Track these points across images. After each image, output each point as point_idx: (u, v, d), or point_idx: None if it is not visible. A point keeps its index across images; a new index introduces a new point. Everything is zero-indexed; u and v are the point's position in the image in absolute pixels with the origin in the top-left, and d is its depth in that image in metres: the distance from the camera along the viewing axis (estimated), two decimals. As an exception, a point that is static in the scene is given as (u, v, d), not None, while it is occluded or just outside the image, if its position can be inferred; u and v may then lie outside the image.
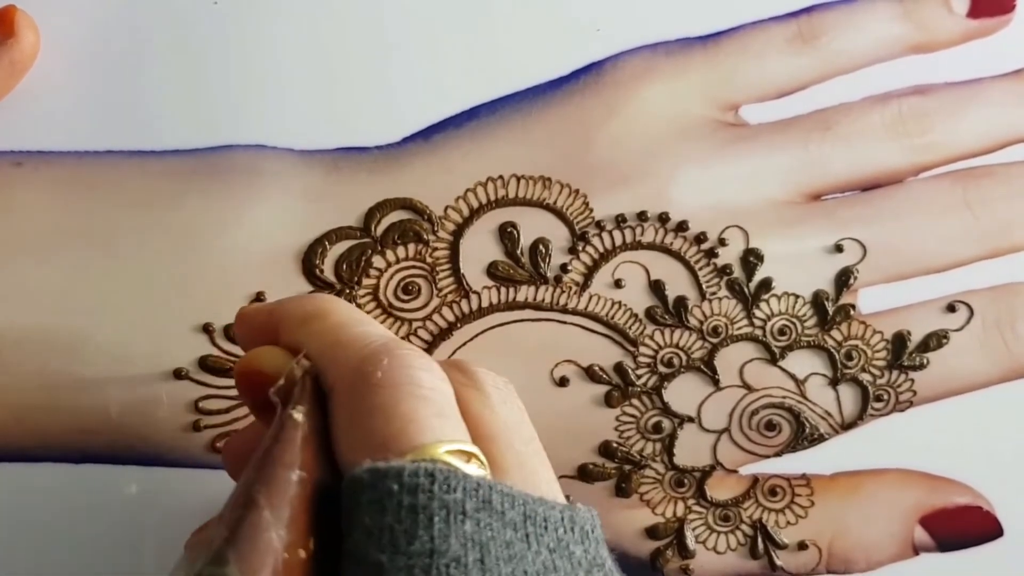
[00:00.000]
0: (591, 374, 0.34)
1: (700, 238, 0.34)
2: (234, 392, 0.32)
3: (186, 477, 0.32)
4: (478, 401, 0.24)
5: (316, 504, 0.20)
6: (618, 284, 0.34)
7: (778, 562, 0.34)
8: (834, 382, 0.34)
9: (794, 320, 0.34)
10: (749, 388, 0.34)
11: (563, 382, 0.34)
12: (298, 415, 0.21)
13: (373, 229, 0.33)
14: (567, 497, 0.24)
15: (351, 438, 0.22)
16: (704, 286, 0.34)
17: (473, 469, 0.21)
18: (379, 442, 0.21)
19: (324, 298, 0.26)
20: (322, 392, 0.23)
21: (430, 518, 0.19)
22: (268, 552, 0.19)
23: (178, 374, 0.32)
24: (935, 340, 0.35)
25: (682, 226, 0.34)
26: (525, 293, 0.34)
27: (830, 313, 0.34)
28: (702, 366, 0.34)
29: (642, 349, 0.34)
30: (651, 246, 0.34)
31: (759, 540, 0.34)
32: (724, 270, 0.34)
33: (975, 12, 0.36)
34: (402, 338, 0.33)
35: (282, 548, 0.19)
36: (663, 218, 0.34)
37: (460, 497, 0.20)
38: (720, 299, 0.34)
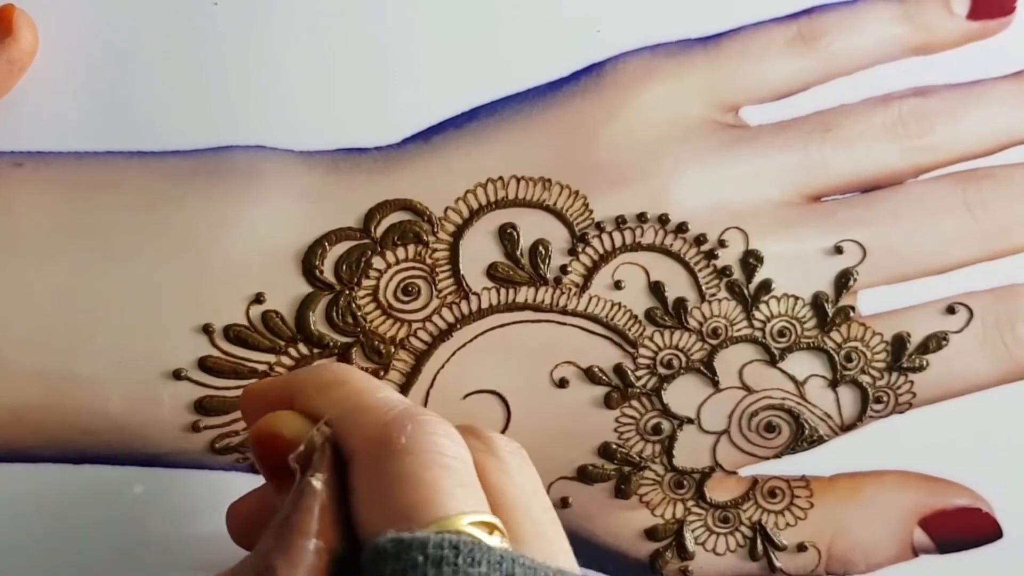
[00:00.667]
0: (590, 375, 0.34)
1: (700, 239, 0.34)
2: (233, 393, 0.33)
3: (185, 478, 0.32)
4: (496, 468, 0.24)
5: (333, 574, 0.20)
6: (618, 285, 0.34)
7: (777, 564, 0.34)
8: (834, 384, 0.34)
9: (794, 322, 0.34)
10: (749, 390, 0.34)
11: (562, 383, 0.34)
12: (317, 483, 0.22)
13: (373, 230, 0.33)
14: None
15: (373, 506, 0.22)
16: (704, 287, 0.34)
17: (495, 541, 0.21)
18: (402, 511, 0.21)
19: (341, 366, 0.26)
20: (341, 459, 0.23)
21: None
22: None
23: (178, 375, 0.32)
24: (935, 342, 0.35)
25: (682, 227, 0.34)
26: (525, 294, 0.34)
27: (830, 315, 0.34)
28: (702, 367, 0.34)
29: (642, 350, 0.34)
30: (651, 247, 0.34)
31: (758, 541, 0.34)
32: (724, 271, 0.34)
33: (975, 14, 0.36)
34: (402, 339, 0.33)
35: None
36: (663, 219, 0.34)
37: (484, 571, 0.20)
38: (720, 300, 0.34)
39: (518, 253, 0.34)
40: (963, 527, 0.35)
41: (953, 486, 0.35)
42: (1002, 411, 0.35)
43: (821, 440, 0.35)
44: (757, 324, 0.34)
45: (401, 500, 0.21)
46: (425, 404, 0.33)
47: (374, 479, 0.22)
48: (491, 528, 0.21)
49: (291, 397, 0.25)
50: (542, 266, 0.34)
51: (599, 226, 0.34)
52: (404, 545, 0.20)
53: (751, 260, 0.34)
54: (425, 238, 0.34)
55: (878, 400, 0.35)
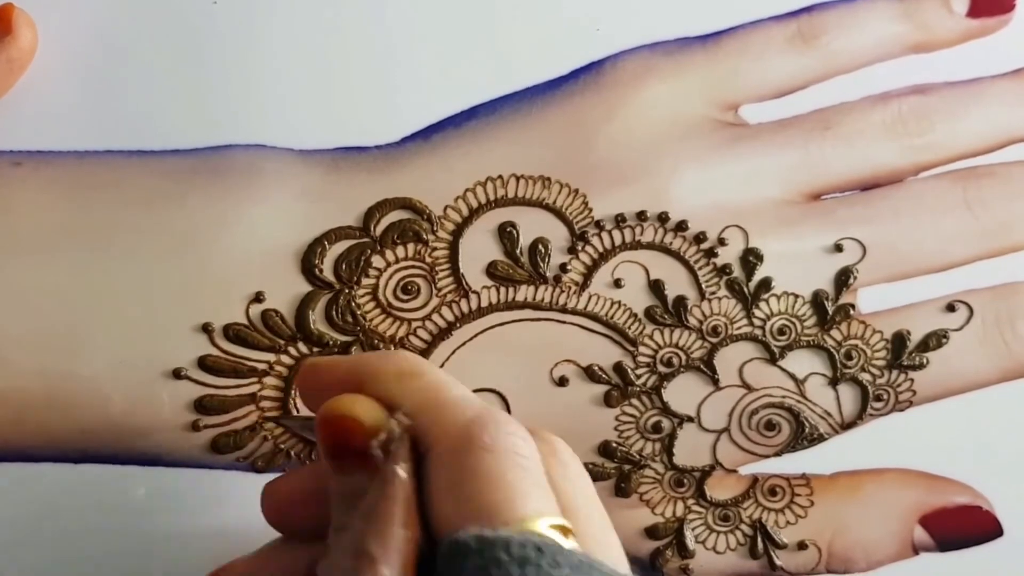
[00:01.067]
0: (590, 374, 0.34)
1: (700, 238, 0.34)
2: (233, 392, 0.33)
3: (186, 477, 0.32)
4: (559, 471, 0.24)
5: (418, 565, 0.21)
6: (617, 284, 0.34)
7: (778, 562, 0.34)
8: (834, 382, 0.35)
9: (794, 320, 0.34)
10: (749, 388, 0.34)
11: (562, 382, 0.34)
12: (403, 473, 0.22)
13: (372, 229, 0.33)
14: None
15: (451, 501, 0.22)
16: (704, 286, 0.34)
17: (570, 544, 0.21)
18: (483, 509, 0.21)
19: (414, 357, 0.26)
20: (417, 452, 0.23)
21: None
22: None
23: (178, 374, 0.32)
24: (935, 340, 0.35)
25: (681, 226, 0.34)
26: (524, 293, 0.34)
27: (830, 313, 0.34)
28: (701, 366, 0.34)
29: (641, 349, 0.34)
30: (650, 246, 0.34)
31: (759, 540, 0.34)
32: (724, 270, 0.34)
33: (975, 12, 0.36)
34: (401, 338, 0.33)
35: None
36: (662, 218, 0.34)
37: (567, 573, 0.20)
38: (720, 299, 0.34)
39: (518, 252, 0.34)
40: (964, 525, 0.35)
41: (953, 484, 0.35)
42: (1002, 409, 0.35)
43: (821, 438, 0.35)
44: (757, 322, 0.34)
45: (482, 498, 0.21)
46: (425, 403, 0.33)
47: (454, 475, 0.22)
48: (565, 531, 0.22)
49: (360, 381, 0.25)
50: (542, 264, 0.34)
51: (599, 224, 0.34)
52: (488, 542, 0.20)
53: (751, 258, 0.34)
54: (425, 237, 0.34)
55: (878, 398, 0.35)
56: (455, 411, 0.23)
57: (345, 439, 0.23)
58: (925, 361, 0.35)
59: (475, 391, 0.33)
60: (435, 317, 0.34)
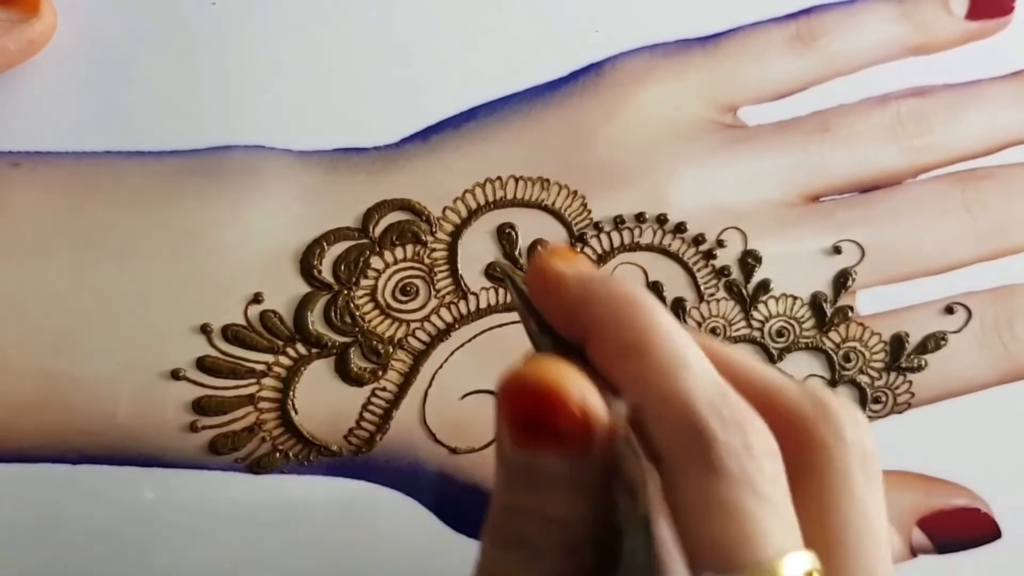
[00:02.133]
0: (589, 375, 0.34)
1: (698, 239, 0.34)
2: (231, 393, 0.33)
3: (184, 478, 0.33)
4: (835, 482, 0.20)
5: None
6: (616, 285, 0.34)
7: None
8: (832, 384, 0.35)
9: (792, 322, 0.34)
10: (747, 390, 0.34)
11: (561, 383, 0.34)
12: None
13: (371, 230, 0.33)
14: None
15: (685, 525, 0.19)
16: (702, 287, 0.34)
17: None
18: (718, 545, 0.18)
19: (645, 316, 0.21)
20: (650, 451, 0.20)
21: None
22: None
23: (176, 375, 0.33)
24: (933, 342, 0.35)
25: (680, 227, 0.34)
26: (523, 294, 0.34)
27: (828, 315, 0.34)
28: (700, 368, 0.34)
29: (640, 350, 0.34)
30: (649, 247, 0.34)
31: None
32: (722, 271, 0.34)
33: (974, 14, 0.36)
34: (400, 339, 0.33)
35: None
36: (661, 219, 0.34)
37: None
38: (718, 300, 0.34)
39: (516, 253, 0.34)
40: (962, 527, 0.35)
41: (952, 486, 0.35)
42: (1001, 411, 0.35)
43: (819, 440, 0.35)
44: (756, 324, 0.35)
45: (715, 534, 0.19)
46: (424, 404, 0.33)
47: (683, 498, 0.19)
48: (811, 572, 0.19)
49: (579, 330, 0.21)
50: (540, 266, 0.34)
51: (597, 226, 0.34)
52: None
53: (749, 260, 0.34)
54: (423, 238, 0.34)
55: (876, 400, 0.35)
56: (678, 409, 0.19)
57: (543, 414, 0.19)
58: (923, 363, 0.35)
59: (473, 392, 0.34)
60: (434, 318, 0.34)
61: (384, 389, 0.33)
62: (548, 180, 0.34)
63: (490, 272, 0.34)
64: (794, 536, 0.19)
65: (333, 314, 0.33)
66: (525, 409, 0.20)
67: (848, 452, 0.21)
